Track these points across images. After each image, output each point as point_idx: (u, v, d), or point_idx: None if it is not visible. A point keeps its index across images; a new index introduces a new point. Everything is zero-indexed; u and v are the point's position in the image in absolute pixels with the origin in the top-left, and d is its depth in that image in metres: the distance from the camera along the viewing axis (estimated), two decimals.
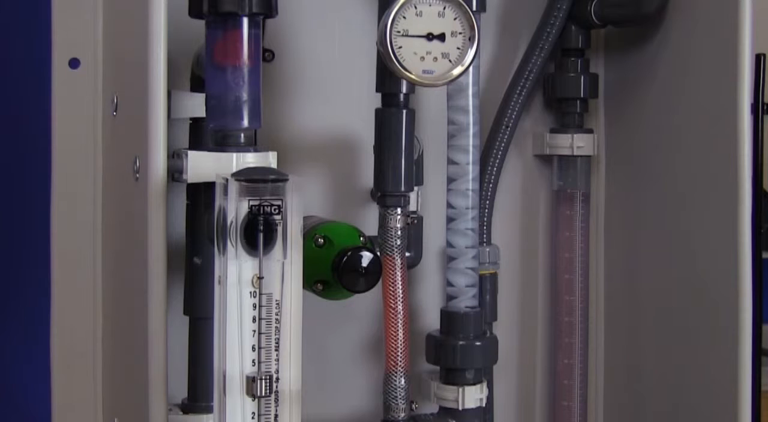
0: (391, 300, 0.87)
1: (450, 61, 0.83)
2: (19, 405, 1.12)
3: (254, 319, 0.72)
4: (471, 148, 0.95)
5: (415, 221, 0.97)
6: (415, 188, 0.94)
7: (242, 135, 0.81)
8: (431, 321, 1.01)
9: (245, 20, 0.79)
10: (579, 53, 1.05)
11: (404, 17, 0.82)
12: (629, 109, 1.06)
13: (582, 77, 1.05)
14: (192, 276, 0.89)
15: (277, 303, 0.73)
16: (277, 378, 0.73)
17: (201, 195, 0.83)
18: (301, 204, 0.72)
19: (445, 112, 0.96)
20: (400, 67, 0.82)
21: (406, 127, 0.86)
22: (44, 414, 1.00)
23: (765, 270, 1.11)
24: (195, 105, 0.84)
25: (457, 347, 0.94)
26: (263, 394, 0.72)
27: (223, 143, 0.81)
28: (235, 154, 0.79)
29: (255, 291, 0.72)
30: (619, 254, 1.08)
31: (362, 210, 1.01)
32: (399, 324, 0.87)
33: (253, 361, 0.72)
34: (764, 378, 1.17)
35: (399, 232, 0.87)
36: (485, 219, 1.03)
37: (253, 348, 0.72)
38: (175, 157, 0.80)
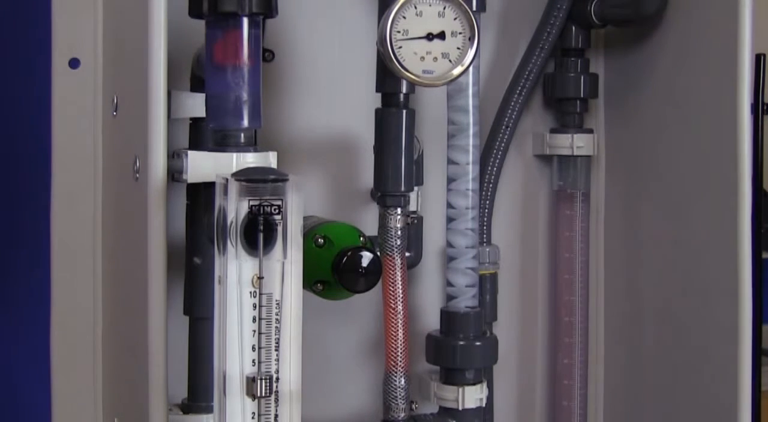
0: (391, 300, 0.87)
1: (450, 61, 0.83)
2: (19, 405, 1.12)
3: (254, 319, 0.72)
4: (471, 148, 0.95)
5: (415, 221, 0.97)
6: (415, 188, 0.94)
7: (242, 135, 0.81)
8: (431, 321, 1.01)
9: (245, 20, 0.79)
10: (579, 53, 1.05)
11: (404, 17, 0.82)
12: (629, 109, 1.06)
13: (582, 77, 1.05)
14: (192, 276, 0.89)
15: (277, 303, 0.73)
16: (277, 379, 0.73)
17: (201, 195, 0.83)
18: (301, 204, 0.72)
19: (445, 112, 0.96)
20: (400, 67, 0.82)
21: (406, 127, 0.86)
22: (44, 414, 1.00)
23: (765, 270, 1.11)
24: (195, 105, 0.84)
25: (457, 347, 0.94)
26: (263, 394, 0.72)
27: (223, 143, 0.81)
28: (235, 154, 0.79)
29: (255, 291, 0.72)
30: (619, 254, 1.08)
31: (362, 210, 1.01)
32: (399, 324, 0.87)
33: (253, 361, 0.72)
34: (764, 378, 1.17)
35: (399, 232, 0.87)
36: (485, 219, 1.03)
37: (253, 348, 0.72)
38: (175, 157, 0.80)
